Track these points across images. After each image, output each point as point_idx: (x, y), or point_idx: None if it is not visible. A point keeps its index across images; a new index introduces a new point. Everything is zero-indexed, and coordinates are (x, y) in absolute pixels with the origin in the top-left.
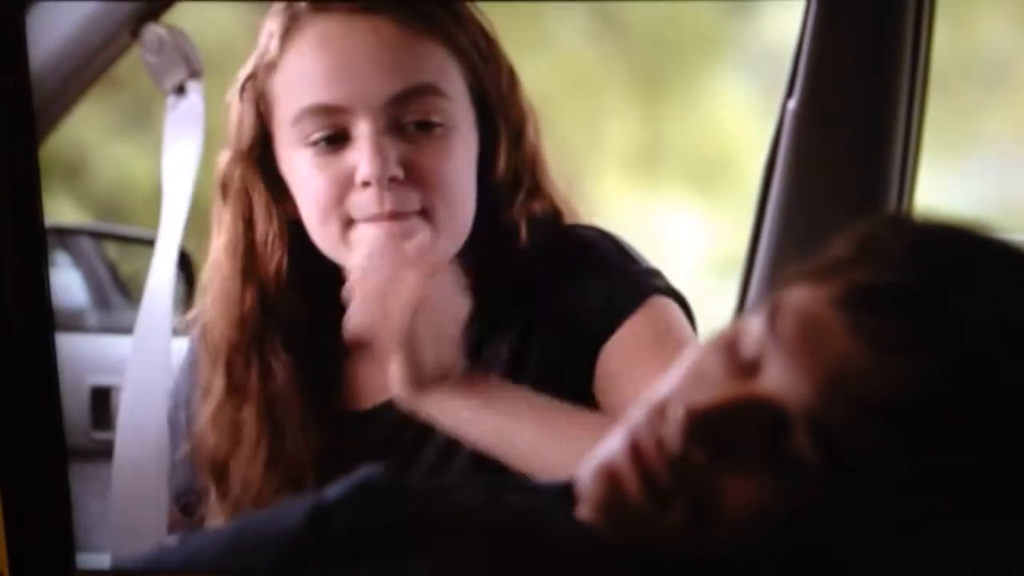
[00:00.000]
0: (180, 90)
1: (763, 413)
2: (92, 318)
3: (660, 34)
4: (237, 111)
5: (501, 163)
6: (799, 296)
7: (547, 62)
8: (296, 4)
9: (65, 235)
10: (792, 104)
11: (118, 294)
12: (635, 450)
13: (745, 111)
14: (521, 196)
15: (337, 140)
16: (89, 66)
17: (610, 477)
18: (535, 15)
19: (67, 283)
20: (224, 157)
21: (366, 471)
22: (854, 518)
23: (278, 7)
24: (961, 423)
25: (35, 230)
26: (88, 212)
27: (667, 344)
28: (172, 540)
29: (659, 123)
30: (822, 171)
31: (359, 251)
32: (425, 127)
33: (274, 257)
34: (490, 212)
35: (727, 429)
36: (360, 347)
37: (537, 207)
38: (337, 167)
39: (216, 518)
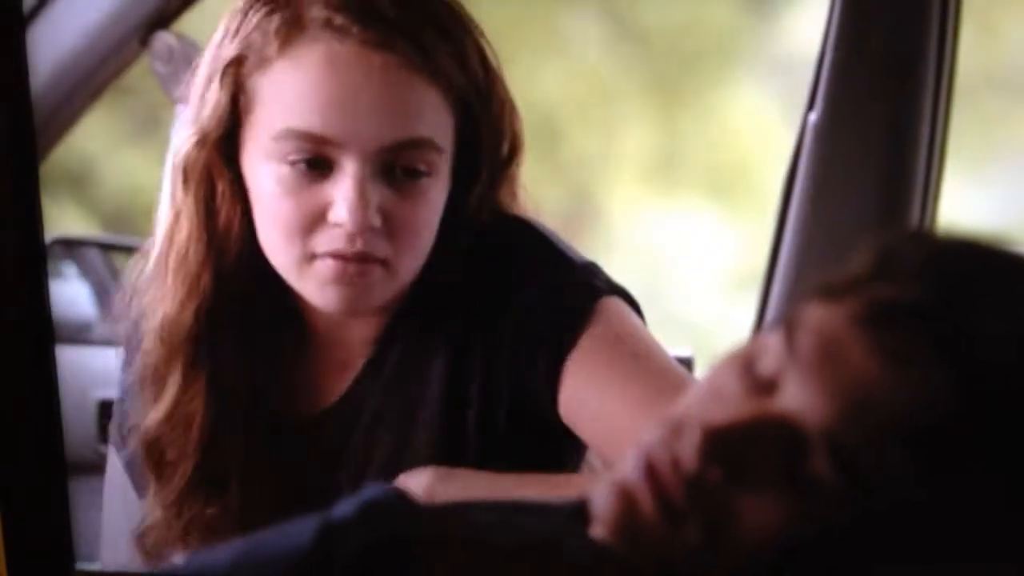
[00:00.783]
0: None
1: (780, 432)
2: (99, 330)
3: (678, 43)
4: (213, 94)
5: (472, 202)
6: (817, 313)
7: (564, 70)
8: (304, 7)
9: (72, 246)
10: (813, 117)
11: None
12: (650, 469)
13: (764, 121)
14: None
15: (317, 166)
16: (97, 75)
17: (625, 496)
18: (553, 23)
19: (74, 295)
20: (187, 140)
21: (374, 489)
22: (872, 539)
23: None
24: (982, 442)
25: (35, 239)
26: (96, 222)
27: (628, 347)
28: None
29: (677, 133)
30: (843, 184)
31: (312, 284)
32: (412, 175)
33: (235, 247)
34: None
35: (744, 448)
36: (317, 349)
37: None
38: (312, 196)
39: (153, 513)
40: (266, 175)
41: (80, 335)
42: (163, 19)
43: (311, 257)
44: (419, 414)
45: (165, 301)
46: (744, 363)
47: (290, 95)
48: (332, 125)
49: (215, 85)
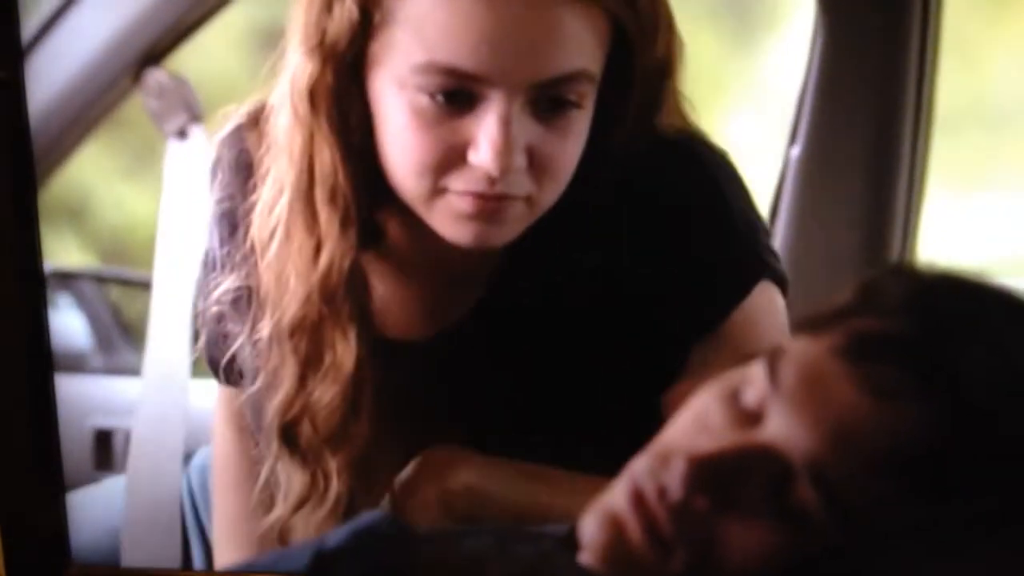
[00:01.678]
0: (182, 134)
1: (766, 463)
2: (95, 361)
3: None
4: (343, 6)
5: (622, 127)
6: (800, 346)
7: None
8: None
9: (68, 278)
10: (795, 151)
11: (121, 337)
12: (637, 498)
13: (746, 155)
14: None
15: (459, 100)
16: (91, 110)
17: (613, 524)
18: None
19: (70, 325)
20: (308, 57)
21: (368, 517)
22: (858, 569)
23: None
24: (963, 474)
25: (35, 268)
26: (92, 254)
27: (763, 343)
28: None
29: None
30: (826, 218)
31: (443, 217)
32: (561, 107)
33: (350, 192)
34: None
35: (729, 478)
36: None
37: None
38: (450, 132)
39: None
40: (399, 104)
41: (76, 365)
42: (154, 55)
43: (443, 191)
44: (529, 355)
45: (317, 243)
46: (729, 393)
47: (436, 24)
48: (483, 62)
49: None
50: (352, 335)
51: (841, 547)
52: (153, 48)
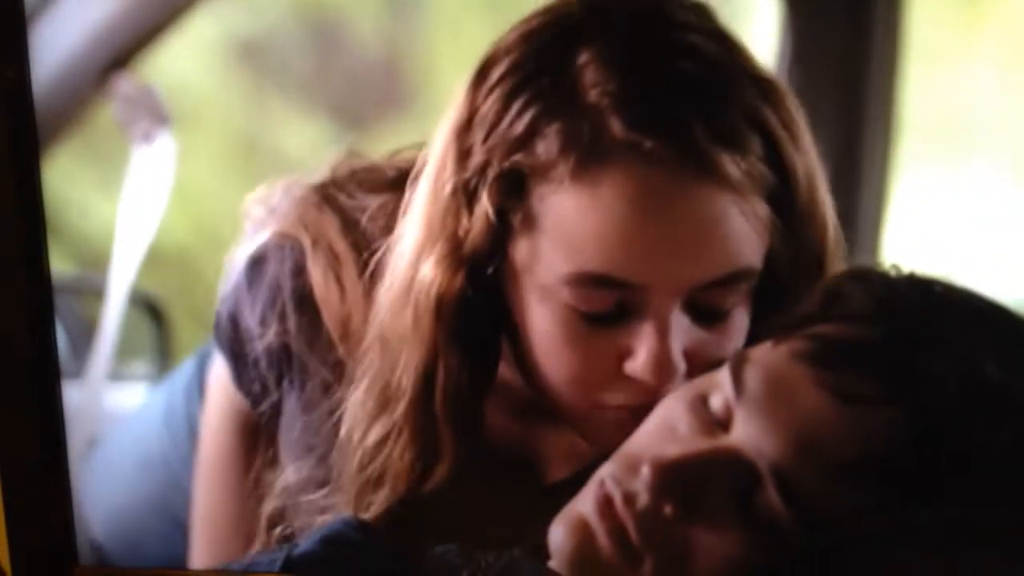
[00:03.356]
0: (147, 139)
1: (731, 467)
2: (70, 367)
3: None
4: (480, 204)
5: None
6: (764, 351)
7: None
8: (601, 118)
9: None
10: None
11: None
12: (606, 504)
13: None
14: None
15: (613, 315)
16: (59, 118)
17: (581, 531)
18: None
19: None
20: (433, 258)
21: (336, 523)
22: (823, 573)
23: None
24: (927, 479)
25: (40, 271)
26: (66, 261)
27: None
28: None
29: None
30: None
31: (594, 428)
32: (721, 310)
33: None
34: None
35: (695, 482)
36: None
37: None
38: (605, 345)
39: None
40: (545, 315)
41: None
42: (121, 61)
43: (602, 407)
44: None
45: (434, 457)
46: (697, 400)
47: (585, 230)
48: (639, 270)
49: (484, 194)
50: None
51: (807, 553)
52: (120, 54)
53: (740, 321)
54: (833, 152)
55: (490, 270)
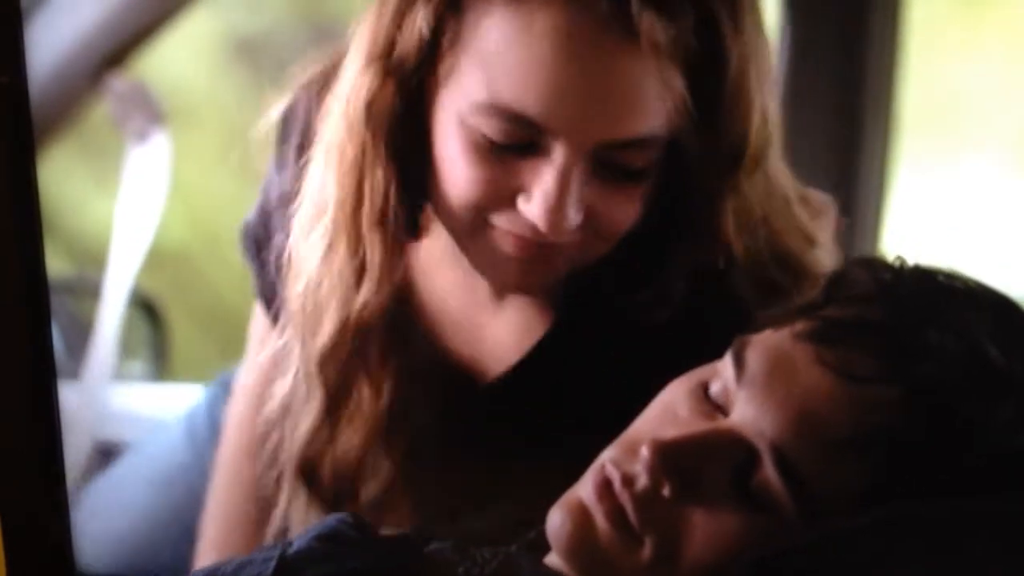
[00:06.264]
0: (142, 137)
1: (731, 448)
2: (67, 368)
3: None
4: (416, 21)
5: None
6: (767, 334)
7: None
8: None
9: None
10: None
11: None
12: (604, 487)
13: None
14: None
15: (519, 146)
16: (55, 118)
17: (580, 515)
18: None
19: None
20: (367, 71)
21: (331, 520)
22: (824, 556)
23: None
24: (927, 456)
25: (37, 272)
26: (63, 261)
27: None
28: None
29: None
30: None
31: (481, 252)
32: (625, 176)
33: (401, 219)
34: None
35: (694, 463)
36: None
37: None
38: (505, 172)
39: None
40: (454, 134)
41: None
42: (116, 60)
43: (488, 226)
44: (588, 399)
45: (360, 269)
46: (697, 385)
47: (506, 60)
48: (551, 113)
49: (420, 9)
50: (385, 383)
51: (808, 534)
52: (114, 52)
53: (646, 188)
54: (833, 146)
55: (414, 82)
